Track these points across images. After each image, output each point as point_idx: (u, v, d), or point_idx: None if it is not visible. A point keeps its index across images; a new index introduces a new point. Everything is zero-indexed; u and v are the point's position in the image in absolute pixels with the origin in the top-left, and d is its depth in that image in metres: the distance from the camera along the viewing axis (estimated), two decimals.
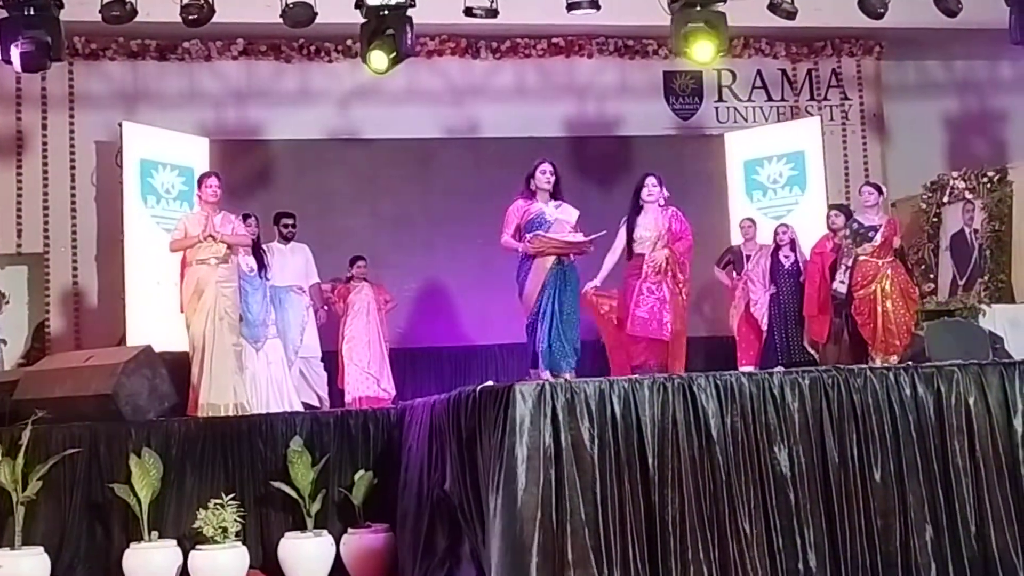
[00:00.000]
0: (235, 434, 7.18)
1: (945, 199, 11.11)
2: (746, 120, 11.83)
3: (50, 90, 10.67)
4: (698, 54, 8.74)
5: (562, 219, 7.10)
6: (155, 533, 6.68)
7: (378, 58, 8.65)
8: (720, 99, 11.86)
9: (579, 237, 7.01)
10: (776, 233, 9.80)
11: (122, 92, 10.81)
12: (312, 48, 11.05)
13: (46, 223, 10.59)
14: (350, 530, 7.00)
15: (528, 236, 7.00)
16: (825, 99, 11.99)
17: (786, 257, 9.67)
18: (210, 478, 7.02)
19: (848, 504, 5.24)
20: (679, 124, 11.77)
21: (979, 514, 5.37)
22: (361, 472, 7.09)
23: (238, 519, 6.62)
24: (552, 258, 6.99)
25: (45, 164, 10.64)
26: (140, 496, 6.60)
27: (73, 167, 10.67)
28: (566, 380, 5.39)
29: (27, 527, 6.58)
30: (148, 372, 7.43)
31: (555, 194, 7.17)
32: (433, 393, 6.88)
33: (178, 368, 7.95)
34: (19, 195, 10.59)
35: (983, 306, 9.35)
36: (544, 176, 7.11)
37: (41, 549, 6.58)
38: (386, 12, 8.45)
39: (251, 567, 6.77)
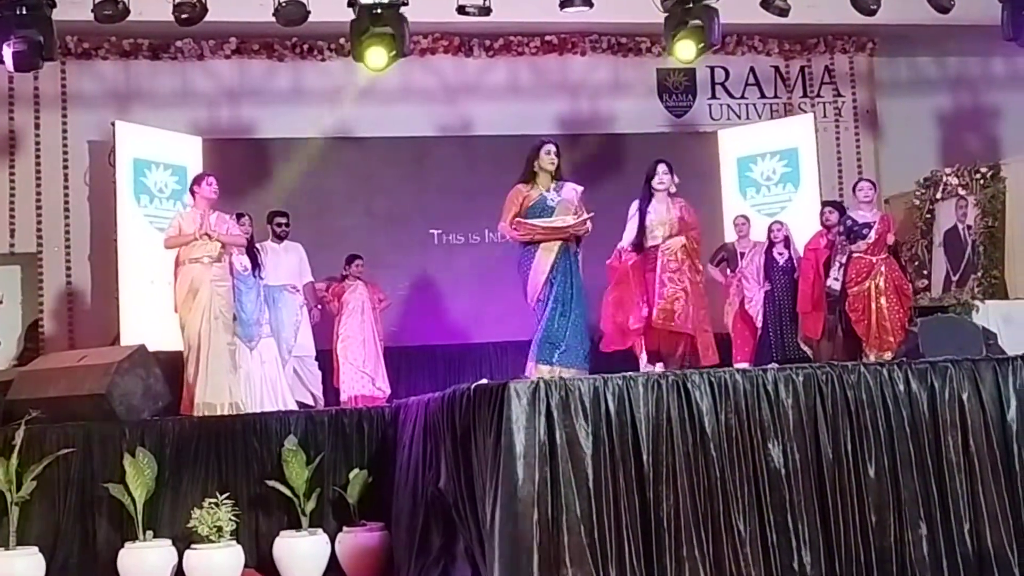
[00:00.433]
0: (229, 433, 7.17)
1: (938, 195, 11.13)
2: (739, 117, 11.85)
3: (43, 90, 10.64)
4: (680, 52, 8.74)
5: (565, 201, 6.84)
6: (150, 532, 6.67)
7: (377, 55, 8.61)
8: (713, 96, 11.86)
9: (568, 220, 6.73)
10: (770, 230, 9.81)
11: (115, 91, 10.79)
12: (305, 47, 11.04)
13: (39, 223, 10.57)
14: (345, 529, 7.00)
15: (514, 224, 6.77)
16: (818, 96, 12.00)
17: (780, 254, 9.68)
18: (205, 477, 7.01)
19: (842, 500, 5.25)
20: (672, 121, 11.78)
21: (973, 509, 5.39)
22: (356, 471, 7.08)
23: (233, 518, 6.61)
24: (557, 244, 6.73)
25: (38, 164, 10.62)
26: (135, 495, 6.59)
27: (66, 167, 10.65)
28: (561, 378, 5.37)
29: (21, 527, 6.57)
30: (142, 372, 7.43)
31: (556, 175, 6.94)
32: (427, 391, 6.87)
33: (172, 367, 7.95)
34: (12, 195, 10.56)
35: (976, 302, 9.36)
36: (549, 157, 6.87)
37: (36, 549, 6.57)
38: (379, 10, 8.43)
39: (246, 566, 6.76)
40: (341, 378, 9.64)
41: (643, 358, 7.24)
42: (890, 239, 8.73)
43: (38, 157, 10.63)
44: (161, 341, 8.47)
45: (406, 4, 8.46)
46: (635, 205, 7.27)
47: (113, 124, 10.00)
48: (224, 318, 7.92)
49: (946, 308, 9.25)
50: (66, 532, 6.83)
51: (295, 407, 8.69)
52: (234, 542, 6.66)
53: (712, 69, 11.69)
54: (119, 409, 7.17)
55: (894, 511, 5.30)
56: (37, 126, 10.66)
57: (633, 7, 9.38)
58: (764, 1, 9.20)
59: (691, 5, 8.61)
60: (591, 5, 9.17)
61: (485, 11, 8.90)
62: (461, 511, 5.45)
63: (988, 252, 10.46)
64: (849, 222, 8.69)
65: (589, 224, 6.79)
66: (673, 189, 7.30)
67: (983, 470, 5.43)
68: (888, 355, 7.98)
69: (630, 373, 5.54)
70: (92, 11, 8.48)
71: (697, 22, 8.64)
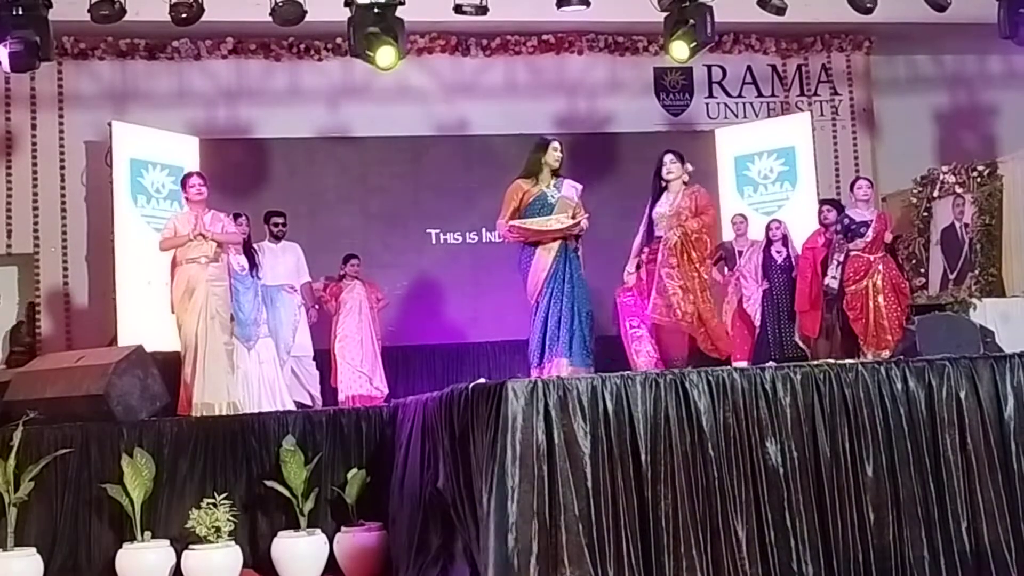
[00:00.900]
0: (227, 433, 7.16)
1: (935, 194, 11.13)
2: (736, 116, 11.86)
3: (39, 90, 10.65)
4: (675, 52, 8.72)
5: (565, 198, 6.80)
6: (148, 533, 6.66)
7: (387, 54, 8.62)
8: (710, 95, 11.88)
9: (563, 221, 6.69)
10: (768, 229, 9.82)
11: (111, 92, 10.80)
12: (302, 46, 11.05)
13: (36, 223, 10.58)
14: (343, 528, 6.99)
15: (507, 225, 6.77)
16: (815, 94, 12.02)
17: (778, 252, 9.69)
18: (203, 478, 7.00)
19: (840, 498, 5.25)
20: (669, 120, 11.79)
21: (971, 507, 5.39)
22: (354, 470, 7.07)
23: (231, 518, 6.60)
24: (557, 243, 6.70)
25: (35, 164, 10.63)
26: (132, 496, 6.58)
27: (63, 167, 10.66)
28: (559, 377, 5.37)
29: (19, 528, 6.55)
30: (139, 372, 7.41)
31: (557, 172, 6.90)
32: (425, 391, 6.86)
33: (170, 368, 7.94)
34: (8, 195, 10.57)
35: (974, 300, 9.37)
36: (556, 154, 6.82)
37: (33, 550, 6.55)
38: (378, 9, 8.43)
39: (244, 566, 6.75)
40: (339, 378, 9.65)
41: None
42: (887, 237, 8.74)
43: (35, 157, 10.63)
44: (159, 341, 8.47)
45: (403, 3, 8.45)
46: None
47: (110, 124, 10.01)
48: (221, 318, 7.91)
49: (943, 306, 9.27)
50: (64, 533, 6.81)
51: (293, 407, 8.68)
52: (232, 542, 6.64)
53: (709, 68, 11.70)
54: (117, 410, 7.16)
55: (892, 509, 5.30)
56: (34, 126, 10.66)
57: (630, 6, 9.39)
58: (761, 0, 9.20)
59: (686, 4, 8.60)
60: (588, 4, 9.19)
61: (482, 10, 8.91)
62: (459, 510, 5.45)
63: (985, 250, 10.46)
64: (847, 220, 8.69)
65: (584, 223, 6.75)
66: (686, 177, 7.07)
67: (980, 468, 5.43)
68: (886, 353, 7.98)
69: (628, 372, 5.54)
70: (88, 11, 8.49)
71: (692, 21, 8.62)
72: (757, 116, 11.84)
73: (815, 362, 6.11)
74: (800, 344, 9.32)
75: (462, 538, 5.50)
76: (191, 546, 6.56)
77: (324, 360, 9.70)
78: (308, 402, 9.35)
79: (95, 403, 7.13)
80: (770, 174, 11.03)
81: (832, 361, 5.95)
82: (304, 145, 11.07)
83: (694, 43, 8.80)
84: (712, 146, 11.25)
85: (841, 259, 8.65)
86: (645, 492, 5.00)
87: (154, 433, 7.01)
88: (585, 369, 6.48)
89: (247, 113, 10.98)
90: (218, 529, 6.50)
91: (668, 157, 7.10)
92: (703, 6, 8.60)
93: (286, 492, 6.82)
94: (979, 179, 10.72)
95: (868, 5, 9.22)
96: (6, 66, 8.11)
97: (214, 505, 6.56)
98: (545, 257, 6.71)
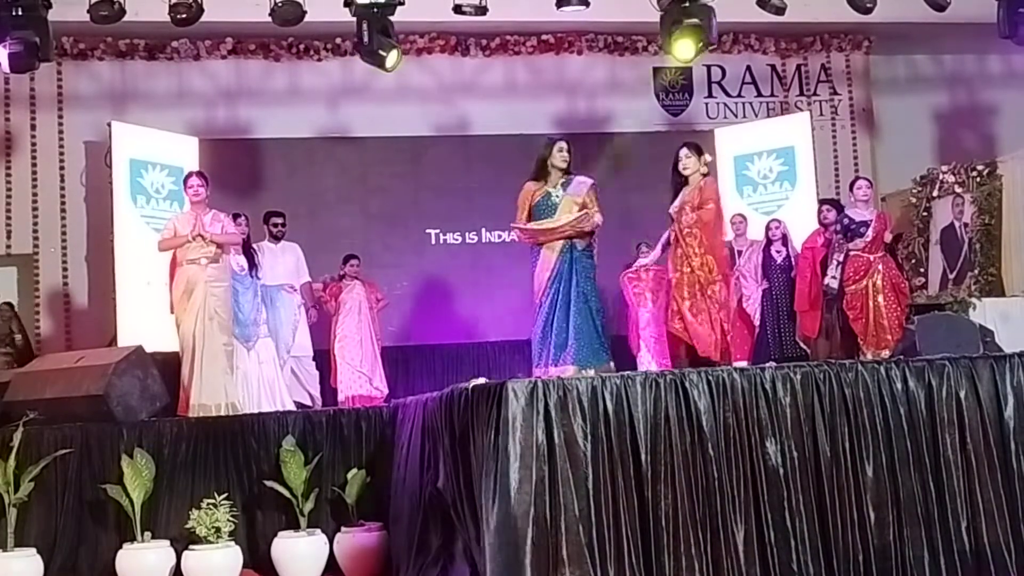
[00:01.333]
0: (227, 434, 7.16)
1: (935, 193, 11.13)
2: (736, 116, 11.86)
3: (39, 90, 10.65)
4: (679, 52, 8.69)
5: (569, 197, 6.68)
6: (148, 534, 6.66)
7: (392, 56, 8.63)
8: (710, 95, 11.88)
9: (558, 220, 6.58)
10: (768, 228, 9.83)
11: (111, 92, 10.80)
12: (301, 47, 11.05)
13: (35, 224, 10.58)
14: (343, 529, 6.99)
15: (514, 227, 6.75)
16: (814, 94, 12.03)
17: (778, 252, 9.69)
18: (203, 478, 7.00)
19: (840, 498, 5.25)
20: (669, 120, 11.79)
21: (970, 507, 5.39)
22: (354, 471, 7.08)
23: (231, 519, 6.60)
24: (560, 243, 6.61)
25: (34, 165, 10.63)
26: (132, 497, 6.58)
27: (62, 167, 10.66)
28: (559, 377, 5.36)
29: (19, 529, 6.55)
30: (139, 372, 7.41)
31: (567, 171, 6.77)
32: (425, 391, 6.87)
33: (169, 368, 7.94)
34: (8, 196, 10.57)
35: (973, 300, 9.36)
36: (562, 154, 6.73)
37: (34, 551, 6.56)
38: (376, 9, 8.43)
39: (244, 567, 6.75)
40: (339, 378, 9.64)
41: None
42: (887, 237, 8.74)
43: (34, 158, 10.63)
44: (158, 342, 8.47)
45: (403, 3, 8.45)
46: None
47: (109, 125, 10.01)
48: (220, 318, 7.90)
49: (943, 306, 9.26)
50: (64, 533, 6.82)
51: (293, 407, 8.68)
52: (232, 543, 6.65)
53: (708, 68, 11.70)
54: (117, 410, 7.16)
55: (892, 509, 5.30)
56: (33, 127, 10.67)
57: (629, 6, 9.39)
58: (760, 0, 9.20)
59: (687, 4, 8.59)
60: (587, 4, 9.19)
61: (481, 10, 8.91)
62: (459, 511, 5.45)
63: (985, 250, 10.46)
64: (846, 220, 8.69)
65: (597, 218, 6.60)
66: (704, 170, 6.82)
67: (980, 468, 5.43)
68: (885, 353, 7.98)
69: (628, 372, 5.54)
70: (88, 12, 8.48)
71: (695, 21, 8.59)
72: (756, 116, 11.85)
73: (815, 362, 6.09)
74: (800, 344, 9.32)
75: (462, 538, 5.50)
76: (191, 546, 6.56)
77: (324, 360, 9.70)
78: (308, 402, 9.35)
79: (95, 403, 7.13)
80: (769, 174, 11.03)
81: (832, 360, 5.95)
82: (304, 145, 11.07)
83: (700, 43, 8.75)
84: (711, 146, 11.21)
85: (841, 259, 8.65)
86: (645, 492, 5.00)
87: (154, 433, 7.01)
88: (599, 367, 6.34)
89: (246, 113, 10.99)
90: (218, 529, 6.50)
91: (683, 151, 6.87)
92: (706, 7, 8.57)
93: (286, 492, 6.83)
94: (978, 179, 10.72)
95: (867, 5, 9.22)
96: (5, 67, 8.11)
97: (214, 505, 6.56)
98: (549, 257, 6.65)
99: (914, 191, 11.38)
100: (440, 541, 5.85)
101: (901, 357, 5.99)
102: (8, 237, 10.55)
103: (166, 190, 10.09)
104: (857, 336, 8.51)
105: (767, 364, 5.83)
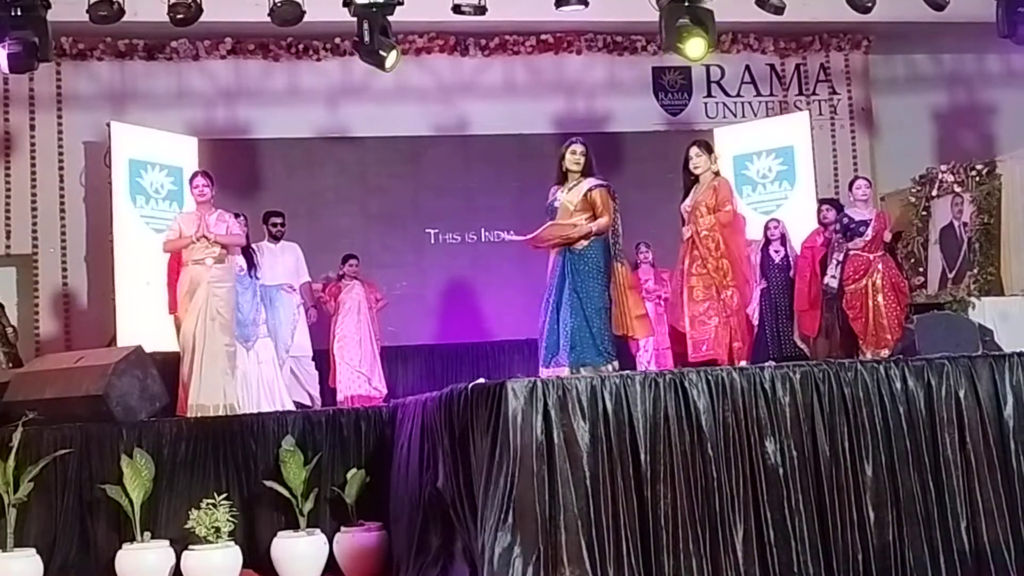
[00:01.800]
0: (227, 434, 7.16)
1: (934, 193, 11.13)
2: (735, 115, 11.86)
3: (38, 91, 10.65)
4: (690, 51, 8.65)
5: (567, 201, 6.58)
6: (147, 534, 6.66)
7: (392, 56, 8.63)
8: (709, 95, 11.88)
9: (538, 231, 6.53)
10: (767, 228, 9.83)
11: (110, 92, 10.80)
12: (300, 47, 11.05)
13: (35, 224, 10.58)
14: (343, 529, 6.99)
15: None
16: (814, 94, 12.03)
17: (776, 252, 9.69)
18: (202, 478, 7.00)
19: (839, 497, 5.25)
20: (668, 120, 11.80)
21: (970, 506, 5.39)
22: (353, 470, 7.08)
23: (230, 519, 6.60)
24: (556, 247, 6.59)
25: (33, 165, 10.63)
26: (132, 497, 6.58)
27: (62, 168, 10.66)
28: (558, 377, 5.36)
29: (19, 529, 6.55)
30: (139, 372, 7.41)
31: (587, 172, 6.65)
32: (425, 391, 6.87)
33: (169, 368, 7.94)
34: (7, 196, 10.57)
35: (972, 299, 9.37)
36: (574, 157, 6.63)
37: (33, 551, 6.55)
38: (375, 9, 8.43)
39: (244, 567, 6.75)
40: (338, 378, 9.65)
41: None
42: (886, 236, 8.75)
43: (33, 158, 10.63)
44: (158, 342, 8.47)
45: (401, 3, 8.45)
46: None
47: (109, 125, 10.00)
48: (222, 319, 7.89)
49: (942, 305, 9.27)
50: (64, 534, 6.82)
51: (292, 407, 8.69)
52: (232, 543, 6.65)
53: (708, 67, 11.70)
54: (116, 410, 7.16)
55: (891, 508, 5.30)
56: (32, 127, 10.66)
57: (628, 6, 9.38)
58: None
59: (688, 3, 8.56)
60: (586, 4, 9.19)
61: (480, 10, 8.90)
62: (459, 510, 5.45)
63: (984, 249, 10.46)
64: (846, 220, 8.70)
65: (590, 226, 6.44)
66: (715, 168, 6.82)
67: (980, 467, 5.43)
68: (885, 352, 7.99)
69: (628, 372, 5.54)
70: (87, 12, 8.48)
71: (699, 19, 8.54)
72: (756, 115, 11.85)
73: (814, 361, 6.09)
74: (798, 343, 9.32)
75: (462, 538, 5.50)
76: (191, 546, 6.56)
77: (323, 360, 9.71)
78: (307, 402, 9.35)
79: (94, 404, 7.13)
80: (769, 173, 11.03)
81: (832, 359, 5.94)
82: (303, 145, 11.07)
83: (709, 42, 8.72)
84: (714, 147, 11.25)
85: (840, 258, 8.66)
86: (644, 492, 5.00)
87: (153, 433, 7.01)
88: (595, 368, 6.31)
89: (246, 113, 10.98)
90: (218, 529, 6.50)
91: (694, 150, 6.83)
92: (708, 10, 8.54)
93: (285, 492, 6.83)
94: (978, 178, 10.72)
95: (867, 4, 9.21)
96: (5, 67, 8.10)
97: (214, 505, 6.56)
98: (552, 259, 6.66)
99: (913, 190, 11.38)
100: (440, 541, 5.85)
101: (900, 356, 6.00)
102: (7, 237, 10.54)
103: (165, 190, 10.08)
104: (856, 335, 8.52)
105: (766, 364, 5.84)
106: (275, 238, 9.63)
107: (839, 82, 12.06)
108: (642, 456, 5.02)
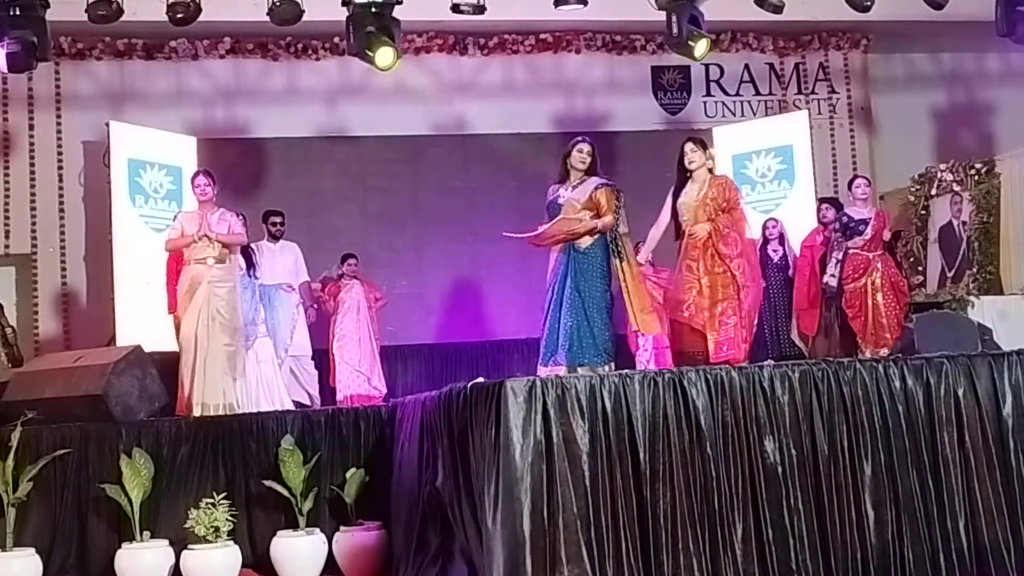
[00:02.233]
0: (226, 433, 7.16)
1: (933, 192, 11.12)
2: (734, 115, 11.86)
3: (37, 90, 10.64)
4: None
5: (572, 199, 6.63)
6: (147, 533, 6.66)
7: (385, 55, 8.60)
8: (708, 94, 11.88)
9: (538, 229, 6.58)
10: (765, 227, 9.82)
11: (109, 92, 10.80)
12: (299, 46, 11.04)
13: (34, 224, 10.58)
14: (342, 528, 6.99)
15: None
16: (813, 93, 12.02)
17: (775, 251, 9.69)
18: (201, 477, 7.01)
19: (838, 496, 5.25)
20: (667, 119, 11.79)
21: (969, 505, 5.39)
22: (353, 470, 7.08)
23: (230, 518, 6.60)
24: (559, 245, 6.62)
25: (32, 164, 10.62)
26: (131, 496, 6.58)
27: (61, 167, 10.66)
28: (557, 376, 5.36)
29: (18, 528, 6.56)
30: (138, 372, 7.42)
31: (591, 172, 6.71)
32: (424, 390, 6.87)
33: (168, 368, 7.93)
34: (6, 196, 10.57)
35: (972, 298, 9.37)
36: (580, 156, 6.68)
37: (32, 550, 6.56)
38: (375, 9, 8.42)
39: (243, 566, 6.75)
40: (337, 377, 9.65)
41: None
42: (886, 235, 8.76)
43: (32, 158, 10.63)
44: (157, 342, 8.47)
45: (400, 3, 8.45)
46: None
47: (108, 124, 10.00)
48: (222, 319, 7.87)
49: (941, 304, 9.27)
50: (63, 533, 6.82)
51: (291, 407, 8.69)
52: (231, 542, 6.65)
53: (707, 66, 11.68)
54: (115, 410, 7.16)
55: (890, 507, 5.30)
56: (31, 127, 10.66)
57: (628, 5, 9.40)
58: None
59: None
60: (585, 3, 9.19)
61: (479, 9, 8.90)
62: (458, 510, 5.45)
63: (983, 248, 10.46)
64: (845, 219, 8.71)
65: (596, 223, 6.50)
66: (711, 164, 6.85)
67: (979, 466, 5.44)
68: (884, 351, 7.99)
69: (627, 371, 5.54)
70: (86, 11, 8.47)
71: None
72: (755, 114, 11.84)
73: (813, 360, 6.09)
74: (797, 342, 9.32)
75: (461, 537, 5.50)
76: (190, 546, 6.57)
77: (323, 360, 9.71)
78: (306, 402, 9.35)
79: (94, 403, 7.13)
80: (768, 172, 11.03)
81: (831, 358, 5.94)
82: (302, 145, 11.07)
83: (708, 41, 8.71)
84: (710, 145, 11.24)
85: (840, 257, 8.67)
86: (644, 491, 5.00)
87: (153, 433, 7.01)
88: (594, 367, 6.32)
89: (245, 113, 10.98)
90: (217, 529, 6.50)
91: (688, 145, 6.87)
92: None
93: (285, 492, 6.83)
94: (977, 177, 10.71)
95: (866, 3, 9.21)
96: (3, 66, 8.10)
97: (213, 505, 6.56)
98: (553, 257, 6.68)
99: (912, 189, 11.37)
100: (439, 540, 5.86)
101: (900, 355, 6.00)
102: (6, 237, 10.54)
103: (164, 190, 10.08)
104: (856, 334, 8.52)
105: (765, 363, 5.84)
106: (274, 237, 9.64)
107: (838, 81, 12.06)
108: (641, 455, 5.02)
